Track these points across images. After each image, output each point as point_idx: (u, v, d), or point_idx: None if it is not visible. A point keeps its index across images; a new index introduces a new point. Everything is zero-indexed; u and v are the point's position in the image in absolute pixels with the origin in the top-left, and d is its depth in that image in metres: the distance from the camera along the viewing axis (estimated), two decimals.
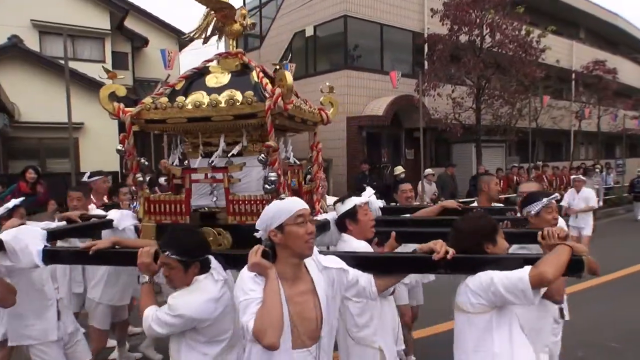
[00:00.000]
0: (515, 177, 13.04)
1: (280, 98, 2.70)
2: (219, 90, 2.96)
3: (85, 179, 5.09)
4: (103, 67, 3.41)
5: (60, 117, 9.52)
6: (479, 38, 12.98)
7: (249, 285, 2.02)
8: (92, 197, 4.96)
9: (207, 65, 3.28)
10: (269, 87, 2.82)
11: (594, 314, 5.55)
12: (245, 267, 2.09)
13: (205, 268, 2.40)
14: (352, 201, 3.08)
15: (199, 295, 2.29)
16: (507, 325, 2.30)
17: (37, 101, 11.55)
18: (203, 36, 3.34)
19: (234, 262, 2.58)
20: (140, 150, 15.50)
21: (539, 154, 19.49)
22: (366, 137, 14.30)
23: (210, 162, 2.97)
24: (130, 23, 15.83)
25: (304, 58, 16.21)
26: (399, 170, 10.06)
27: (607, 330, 5.20)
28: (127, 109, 3.06)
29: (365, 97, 14.43)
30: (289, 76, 2.79)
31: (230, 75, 3.13)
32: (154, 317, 2.33)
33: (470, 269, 2.35)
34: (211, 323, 2.32)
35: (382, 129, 14.34)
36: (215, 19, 3.24)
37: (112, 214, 3.38)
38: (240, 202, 2.91)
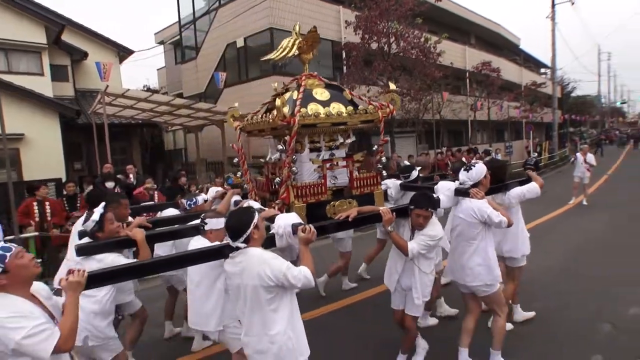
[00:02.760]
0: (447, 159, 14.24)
1: (393, 110, 3.97)
2: (328, 103, 3.70)
3: None
4: (232, 109, 4.22)
5: None
6: (386, 45, 13.39)
7: None
8: None
9: (286, 87, 3.97)
10: (371, 105, 3.91)
11: None
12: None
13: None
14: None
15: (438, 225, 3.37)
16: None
17: None
18: (282, 57, 3.88)
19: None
20: (86, 157, 14.68)
21: (443, 141, 20.65)
22: None
23: (331, 154, 3.82)
24: (69, 37, 14.81)
25: (237, 66, 16.06)
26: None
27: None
28: (236, 123, 4.14)
29: None
30: (397, 98, 4.07)
31: (327, 90, 3.81)
32: (418, 248, 3.26)
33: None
34: None
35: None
36: (298, 46, 3.84)
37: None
38: (359, 179, 3.88)
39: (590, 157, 11.74)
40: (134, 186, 8.01)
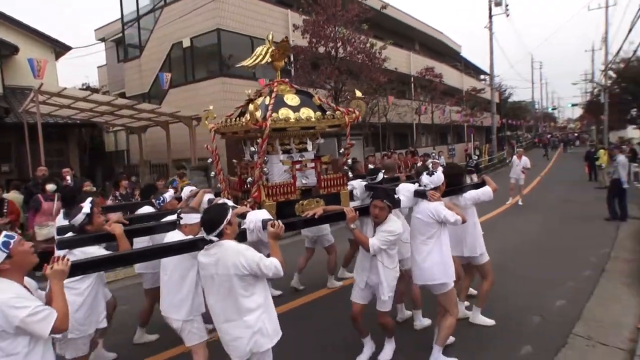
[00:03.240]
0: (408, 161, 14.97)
1: (359, 116, 4.28)
2: (298, 108, 3.98)
3: None
4: (206, 111, 4.42)
5: None
6: (333, 50, 13.65)
7: None
8: None
9: (259, 92, 4.26)
10: (338, 110, 4.20)
11: None
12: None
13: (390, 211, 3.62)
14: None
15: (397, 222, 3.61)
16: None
17: None
18: (255, 64, 4.12)
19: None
20: (16, 159, 13.78)
21: (390, 143, 21.40)
22: None
23: (300, 156, 4.10)
24: None
25: (183, 67, 15.77)
26: None
27: None
28: (211, 125, 4.36)
29: (240, 101, 14.36)
30: (363, 105, 4.45)
31: (297, 96, 4.12)
32: (379, 244, 3.46)
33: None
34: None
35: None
36: (271, 54, 4.09)
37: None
38: (326, 180, 4.17)
39: (525, 160, 12.70)
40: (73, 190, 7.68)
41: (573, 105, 61.00)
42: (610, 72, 27.44)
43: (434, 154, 17.68)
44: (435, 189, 3.81)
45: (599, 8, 29.93)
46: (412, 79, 24.17)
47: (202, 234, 2.82)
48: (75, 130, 15.68)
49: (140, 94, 17.36)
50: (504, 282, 5.82)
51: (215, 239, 2.70)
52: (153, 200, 4.49)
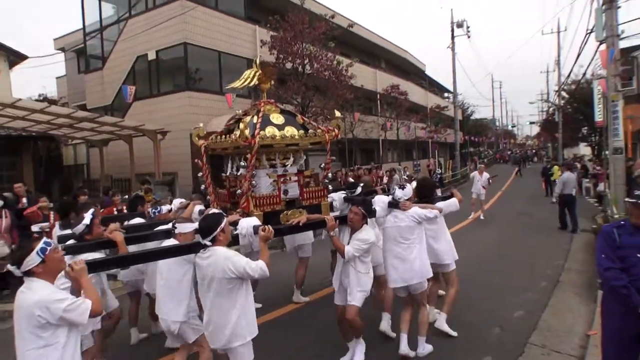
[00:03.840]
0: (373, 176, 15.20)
1: (338, 134, 4.73)
2: (282, 126, 4.35)
3: None
4: (196, 129, 4.74)
5: None
6: (301, 66, 13.90)
7: None
8: None
9: (246, 112, 4.69)
10: (319, 128, 4.69)
11: None
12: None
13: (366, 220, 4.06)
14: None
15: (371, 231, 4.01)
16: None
17: None
18: (244, 85, 4.60)
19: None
20: None
21: (356, 158, 21.74)
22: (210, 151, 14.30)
23: (284, 170, 4.52)
24: None
25: (148, 80, 15.54)
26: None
27: None
28: (202, 142, 4.68)
29: (207, 116, 14.43)
30: (341, 124, 4.91)
31: (282, 115, 4.50)
32: (353, 251, 3.85)
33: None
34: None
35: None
36: (258, 77, 4.51)
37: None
38: (308, 192, 4.60)
39: (486, 176, 13.23)
40: (26, 206, 7.34)
41: (531, 123, 64.38)
42: (563, 93, 29.13)
43: (399, 169, 18.16)
44: (408, 199, 4.30)
45: (551, 33, 31.89)
46: (378, 95, 24.77)
47: (197, 239, 3.25)
48: (30, 143, 15.04)
49: (102, 106, 16.92)
50: (467, 294, 6.04)
51: (209, 243, 3.05)
52: (149, 210, 4.83)
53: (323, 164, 4.80)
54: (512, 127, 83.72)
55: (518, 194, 19.75)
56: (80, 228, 3.54)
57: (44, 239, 2.51)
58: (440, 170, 23.64)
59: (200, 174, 4.81)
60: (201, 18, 14.71)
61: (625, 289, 2.87)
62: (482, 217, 12.79)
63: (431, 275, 4.31)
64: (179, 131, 13.79)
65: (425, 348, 4.23)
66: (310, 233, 5.78)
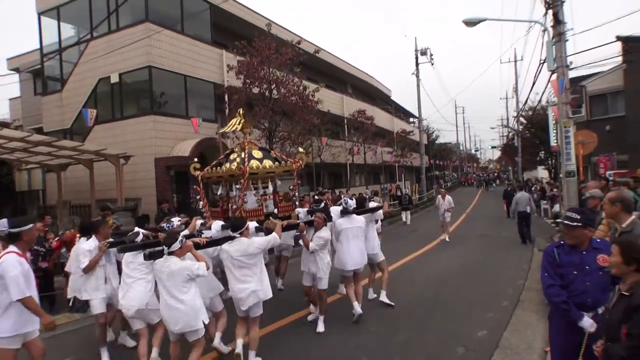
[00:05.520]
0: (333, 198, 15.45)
1: (302, 164, 6.54)
2: (261, 159, 6.09)
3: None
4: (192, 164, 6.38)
5: None
6: (267, 91, 14.15)
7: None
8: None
9: (233, 149, 6.43)
10: (288, 160, 6.59)
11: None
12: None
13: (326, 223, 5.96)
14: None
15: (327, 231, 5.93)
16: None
17: None
18: (231, 130, 6.52)
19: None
20: None
21: (324, 182, 22.02)
22: (174, 176, 14.17)
23: (264, 191, 6.34)
24: None
25: (110, 103, 15.34)
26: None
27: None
28: (198, 172, 6.25)
29: (172, 140, 14.38)
30: (305, 157, 6.74)
31: (261, 151, 6.27)
32: (314, 245, 5.65)
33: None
34: None
35: (189, 168, 14.35)
36: (242, 124, 6.28)
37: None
38: (282, 207, 6.43)
39: (449, 200, 13.76)
40: None
41: (492, 147, 67.23)
42: (522, 119, 30.84)
43: (344, 194, 18.67)
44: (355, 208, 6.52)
45: (509, 62, 33.98)
46: (345, 120, 25.35)
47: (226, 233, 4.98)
48: None
49: (61, 129, 16.48)
50: (431, 314, 6.31)
51: (238, 235, 4.69)
52: (162, 226, 5.86)
53: (291, 186, 6.88)
54: (475, 151, 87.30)
55: (481, 215, 20.52)
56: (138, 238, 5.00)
57: (181, 233, 4.54)
58: (407, 191, 24.33)
59: (198, 197, 6.89)
60: (166, 41, 14.80)
61: (565, 304, 3.10)
62: (447, 239, 13.22)
63: (366, 262, 6.42)
64: (143, 155, 13.62)
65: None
66: (291, 239, 7.20)
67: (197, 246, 4.66)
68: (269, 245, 4.84)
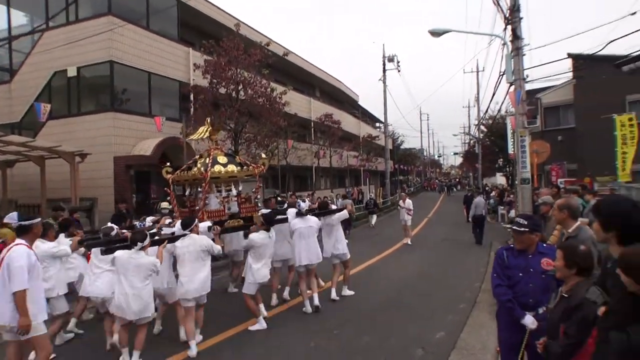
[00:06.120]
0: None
1: (264, 169, 7.25)
2: (226, 164, 6.75)
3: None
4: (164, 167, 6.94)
5: None
6: (234, 92, 14.04)
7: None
8: None
9: (201, 155, 7.13)
10: (251, 165, 7.23)
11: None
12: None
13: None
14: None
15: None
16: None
17: None
18: (200, 138, 7.14)
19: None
20: None
21: (290, 185, 22.06)
22: (135, 175, 13.81)
23: (227, 193, 6.89)
24: None
25: (67, 97, 14.75)
26: (165, 205, 9.90)
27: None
28: (169, 175, 6.84)
29: (133, 138, 14.01)
30: (267, 161, 7.59)
31: (226, 157, 6.96)
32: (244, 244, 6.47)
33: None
34: None
35: (150, 167, 14.06)
36: (209, 132, 7.04)
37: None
38: (244, 208, 7.03)
39: (409, 203, 14.16)
40: None
41: (455, 154, 69.45)
42: (482, 127, 32.11)
43: (301, 197, 18.89)
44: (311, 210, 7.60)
45: (471, 72, 35.32)
46: (312, 123, 25.52)
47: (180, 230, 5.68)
48: None
49: (9, 123, 15.66)
50: (392, 318, 6.48)
51: (188, 232, 5.45)
52: (135, 224, 6.86)
53: (254, 189, 7.48)
54: (438, 157, 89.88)
55: (442, 220, 21.20)
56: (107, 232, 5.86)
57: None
58: (372, 195, 24.78)
59: (168, 199, 7.29)
60: (130, 36, 14.42)
61: (510, 302, 3.32)
62: (409, 243, 13.61)
63: (321, 259, 7.07)
64: (101, 153, 13.20)
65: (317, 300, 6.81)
66: (240, 244, 7.49)
67: (160, 242, 5.40)
68: (212, 249, 5.49)
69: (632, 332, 1.63)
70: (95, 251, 5.37)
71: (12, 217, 4.17)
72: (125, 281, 4.75)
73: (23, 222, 4.14)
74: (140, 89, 15.14)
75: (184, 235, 5.42)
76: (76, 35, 13.97)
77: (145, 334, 4.97)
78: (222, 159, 6.74)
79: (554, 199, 6.24)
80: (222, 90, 14.00)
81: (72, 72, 14.46)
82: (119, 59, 13.98)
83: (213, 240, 5.73)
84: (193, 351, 5.07)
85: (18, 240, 4.03)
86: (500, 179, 39.84)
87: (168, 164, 6.96)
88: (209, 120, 7.07)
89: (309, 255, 6.89)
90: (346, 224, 15.01)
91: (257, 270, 5.97)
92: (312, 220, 7.07)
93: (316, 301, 6.73)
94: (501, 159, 29.57)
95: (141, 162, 13.45)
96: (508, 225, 16.97)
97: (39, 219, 4.34)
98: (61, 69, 14.63)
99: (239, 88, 14.11)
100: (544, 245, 3.55)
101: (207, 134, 6.93)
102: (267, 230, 6.13)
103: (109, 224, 6.13)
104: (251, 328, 6.03)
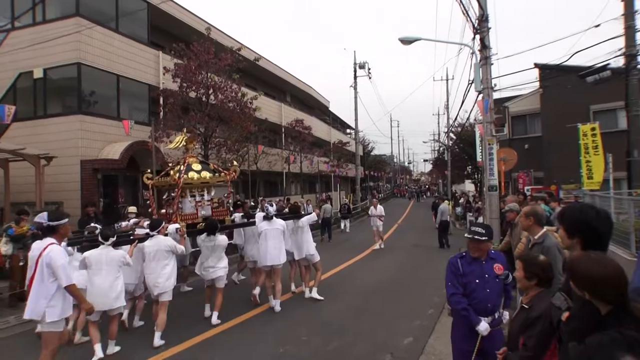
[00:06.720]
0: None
1: (235, 176, 8.01)
2: (200, 171, 7.38)
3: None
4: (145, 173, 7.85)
5: None
6: (204, 96, 14.20)
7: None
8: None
9: (179, 162, 7.98)
10: (223, 172, 7.88)
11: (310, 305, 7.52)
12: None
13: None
14: None
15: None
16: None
17: None
18: (177, 147, 7.79)
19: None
20: None
21: (260, 190, 22.27)
22: (102, 179, 13.78)
23: (201, 198, 7.52)
24: None
25: (32, 99, 14.59)
26: (132, 209, 9.97)
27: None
28: (150, 181, 7.61)
29: (101, 142, 13.99)
30: (238, 169, 8.29)
31: (200, 164, 7.58)
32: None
33: None
34: None
35: (118, 171, 14.05)
36: (186, 140, 7.72)
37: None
38: (216, 212, 7.68)
39: (380, 209, 14.69)
40: None
41: (424, 160, 71.07)
42: (452, 134, 33.22)
43: (268, 202, 19.20)
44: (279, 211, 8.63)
45: (441, 80, 36.54)
46: (282, 129, 25.82)
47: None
48: None
49: None
50: (363, 322, 6.67)
51: (155, 233, 6.15)
52: (114, 225, 7.34)
53: (226, 194, 8.19)
54: (408, 163, 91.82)
55: (412, 226, 21.91)
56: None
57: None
58: (346, 201, 25.37)
59: (148, 202, 8.28)
60: (99, 38, 14.42)
61: (465, 310, 3.40)
62: (381, 247, 14.12)
63: (285, 260, 7.62)
64: (67, 157, 13.14)
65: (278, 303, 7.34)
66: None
67: (132, 242, 6.23)
68: (176, 249, 6.10)
69: (588, 342, 1.62)
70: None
71: (42, 217, 4.57)
72: (98, 275, 5.35)
73: (51, 222, 4.37)
74: (108, 91, 15.12)
75: (152, 236, 6.14)
76: (43, 36, 13.87)
77: (117, 324, 5.60)
78: (196, 167, 7.40)
79: (520, 206, 6.28)
80: (192, 94, 14.13)
81: (38, 73, 14.33)
82: (87, 61, 13.97)
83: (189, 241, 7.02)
84: (157, 342, 5.76)
85: (50, 240, 4.25)
86: (469, 186, 41.14)
87: (149, 170, 7.92)
88: (185, 131, 7.91)
89: (273, 257, 7.36)
90: (327, 228, 16.62)
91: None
92: (279, 222, 7.55)
93: (277, 307, 7.33)
94: (470, 166, 30.57)
95: (109, 166, 13.44)
96: (468, 236, 17.88)
97: (66, 220, 4.54)
98: (27, 70, 14.47)
99: (209, 92, 14.26)
100: (493, 251, 3.71)
101: (184, 142, 7.57)
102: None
103: (92, 224, 6.79)
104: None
